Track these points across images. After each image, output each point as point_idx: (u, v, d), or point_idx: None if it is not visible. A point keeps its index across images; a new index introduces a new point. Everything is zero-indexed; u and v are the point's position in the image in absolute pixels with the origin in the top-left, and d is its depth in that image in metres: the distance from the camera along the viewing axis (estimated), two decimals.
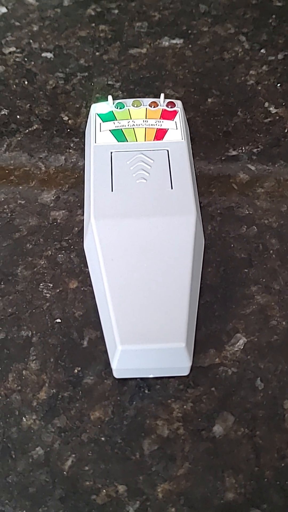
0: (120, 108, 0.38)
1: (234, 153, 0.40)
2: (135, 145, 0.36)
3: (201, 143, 0.41)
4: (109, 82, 0.44)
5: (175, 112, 0.38)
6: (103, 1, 0.50)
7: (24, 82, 0.44)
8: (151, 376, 0.31)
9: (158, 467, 0.28)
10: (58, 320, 0.33)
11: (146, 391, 0.30)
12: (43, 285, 0.34)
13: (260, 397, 0.30)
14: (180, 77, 0.44)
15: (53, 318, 0.33)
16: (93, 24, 0.48)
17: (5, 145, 0.41)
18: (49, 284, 0.34)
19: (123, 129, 0.37)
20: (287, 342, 0.32)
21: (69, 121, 0.42)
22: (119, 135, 0.36)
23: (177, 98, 0.42)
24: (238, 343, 0.32)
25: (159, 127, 0.37)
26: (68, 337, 0.32)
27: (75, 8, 0.49)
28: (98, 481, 0.28)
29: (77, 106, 0.43)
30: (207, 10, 0.49)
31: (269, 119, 0.42)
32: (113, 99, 0.38)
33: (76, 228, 0.36)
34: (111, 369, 0.30)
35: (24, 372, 0.31)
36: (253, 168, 0.39)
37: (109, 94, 0.39)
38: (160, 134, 0.36)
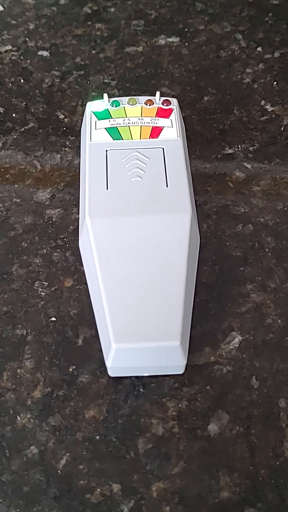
0: (115, 106, 0.38)
1: (230, 151, 0.40)
2: (130, 143, 0.36)
3: (197, 141, 0.40)
4: (105, 80, 0.44)
5: (171, 110, 0.37)
6: None
7: (20, 80, 0.44)
8: (146, 374, 0.30)
9: (152, 466, 0.28)
10: (53, 319, 0.33)
11: (141, 390, 0.30)
12: (38, 283, 0.34)
13: (255, 395, 0.30)
14: (176, 75, 0.44)
15: (48, 317, 0.33)
16: (89, 23, 0.48)
17: (0, 143, 0.40)
18: (44, 283, 0.34)
19: (118, 127, 0.36)
20: (282, 341, 0.32)
21: (65, 119, 0.42)
22: (114, 133, 0.36)
23: (173, 96, 0.42)
24: (233, 342, 0.32)
25: (155, 125, 0.37)
26: (63, 335, 0.32)
27: (71, 7, 0.49)
28: (93, 480, 0.28)
29: (73, 104, 0.43)
30: (203, 8, 0.49)
31: (265, 117, 0.42)
32: (108, 97, 0.38)
33: (72, 227, 0.36)
34: (106, 368, 0.30)
35: (18, 370, 0.31)
36: (249, 166, 0.39)
37: (105, 92, 0.39)
38: (155, 132, 0.36)
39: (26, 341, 0.32)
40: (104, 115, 0.37)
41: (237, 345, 0.32)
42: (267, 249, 0.35)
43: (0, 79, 0.44)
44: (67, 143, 0.40)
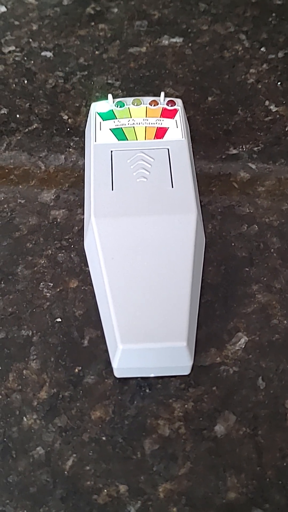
0: (120, 107, 0.38)
1: (234, 151, 0.40)
2: (135, 144, 0.36)
3: (201, 141, 0.40)
4: (109, 81, 0.44)
5: (175, 111, 0.37)
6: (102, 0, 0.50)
7: (23, 81, 0.44)
8: (152, 375, 0.30)
9: (159, 467, 0.28)
10: (59, 320, 0.33)
11: (147, 391, 0.30)
12: (43, 284, 0.34)
13: (261, 396, 0.30)
14: (180, 76, 0.44)
15: (54, 318, 0.33)
16: (93, 23, 0.48)
17: (5, 144, 0.40)
18: (49, 284, 0.34)
19: (123, 128, 0.36)
20: None
21: (69, 120, 0.42)
22: (119, 133, 0.36)
23: (177, 97, 0.42)
24: (239, 342, 0.32)
25: (160, 125, 0.37)
26: (69, 336, 0.32)
27: (75, 7, 0.49)
28: (99, 481, 0.28)
29: (77, 105, 0.43)
30: (206, 9, 0.49)
31: (269, 118, 0.42)
32: (113, 98, 0.38)
33: (76, 227, 0.36)
34: (112, 369, 0.30)
35: (24, 371, 0.31)
36: (253, 166, 0.39)
37: (109, 93, 0.39)
38: (160, 132, 0.36)
39: (31, 342, 0.32)
40: (108, 115, 0.37)
41: (243, 346, 0.32)
42: (272, 250, 0.35)
43: (3, 80, 0.44)
44: (71, 143, 0.40)
